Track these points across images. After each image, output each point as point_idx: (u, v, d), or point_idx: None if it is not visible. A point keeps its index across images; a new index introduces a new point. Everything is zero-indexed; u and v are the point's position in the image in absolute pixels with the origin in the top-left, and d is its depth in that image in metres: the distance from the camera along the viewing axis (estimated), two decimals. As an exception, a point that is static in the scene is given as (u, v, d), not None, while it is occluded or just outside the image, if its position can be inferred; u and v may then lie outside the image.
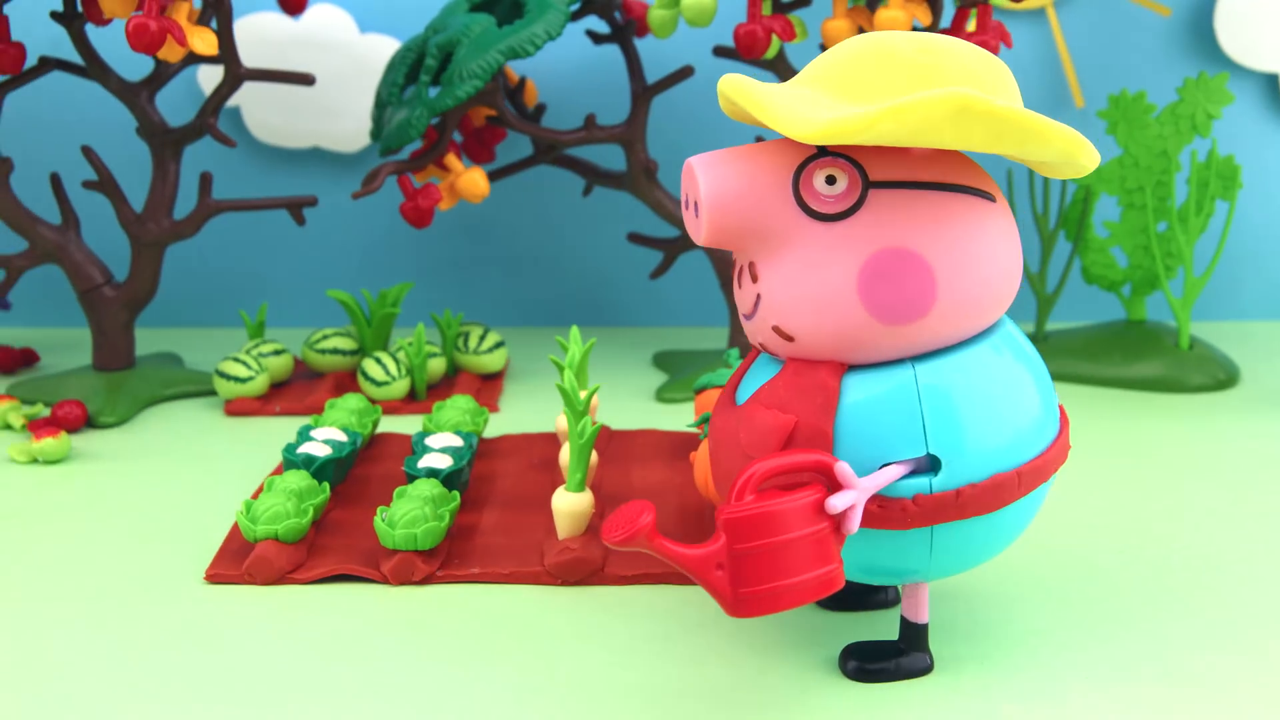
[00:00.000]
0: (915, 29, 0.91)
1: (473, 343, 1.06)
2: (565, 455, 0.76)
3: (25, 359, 1.12)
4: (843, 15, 0.90)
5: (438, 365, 1.03)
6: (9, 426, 0.96)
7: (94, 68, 0.98)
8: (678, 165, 1.16)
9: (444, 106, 0.91)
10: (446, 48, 0.94)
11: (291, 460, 0.78)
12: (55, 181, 1.01)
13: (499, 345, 1.06)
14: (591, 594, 0.67)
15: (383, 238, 1.23)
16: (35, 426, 0.93)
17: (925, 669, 0.58)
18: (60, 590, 0.68)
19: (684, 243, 1.09)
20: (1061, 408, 0.58)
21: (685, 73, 1.01)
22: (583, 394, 0.73)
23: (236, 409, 0.99)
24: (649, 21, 0.95)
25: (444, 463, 0.77)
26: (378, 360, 0.99)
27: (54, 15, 0.96)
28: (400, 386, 0.99)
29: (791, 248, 0.52)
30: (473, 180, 0.99)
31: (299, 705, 0.56)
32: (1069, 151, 0.50)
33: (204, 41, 0.87)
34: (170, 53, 0.86)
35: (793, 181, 0.51)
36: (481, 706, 0.56)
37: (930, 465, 0.53)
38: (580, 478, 0.70)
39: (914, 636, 0.58)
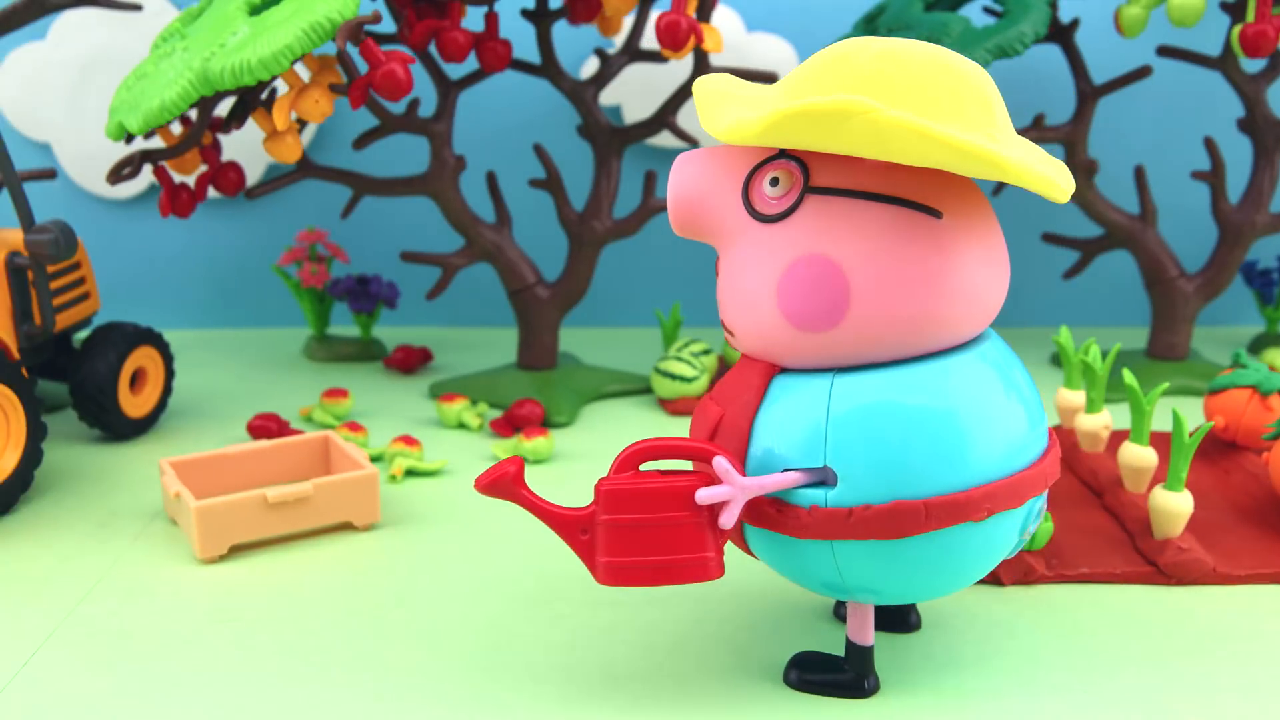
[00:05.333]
0: None
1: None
2: (1131, 453, 0.76)
3: (424, 358, 1.12)
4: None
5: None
6: (464, 425, 0.96)
7: (549, 67, 0.98)
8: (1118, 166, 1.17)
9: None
10: (920, 46, 0.93)
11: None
12: (491, 180, 1.01)
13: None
14: (1202, 593, 0.68)
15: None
16: (497, 426, 0.93)
17: (868, 691, 0.57)
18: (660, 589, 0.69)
19: (1103, 243, 1.08)
20: (1053, 441, 0.55)
21: (1143, 72, 0.99)
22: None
23: (679, 408, 0.99)
24: (1120, 19, 0.94)
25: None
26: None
27: (525, 14, 0.96)
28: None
29: (737, 246, 0.52)
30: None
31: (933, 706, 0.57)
32: (997, 173, 0.46)
33: (713, 39, 0.87)
34: (683, 53, 0.85)
35: (744, 182, 0.52)
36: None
37: (835, 479, 0.51)
38: (1182, 477, 0.70)
39: (856, 657, 0.57)
